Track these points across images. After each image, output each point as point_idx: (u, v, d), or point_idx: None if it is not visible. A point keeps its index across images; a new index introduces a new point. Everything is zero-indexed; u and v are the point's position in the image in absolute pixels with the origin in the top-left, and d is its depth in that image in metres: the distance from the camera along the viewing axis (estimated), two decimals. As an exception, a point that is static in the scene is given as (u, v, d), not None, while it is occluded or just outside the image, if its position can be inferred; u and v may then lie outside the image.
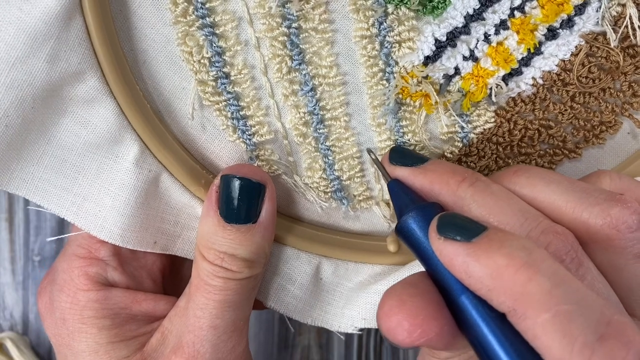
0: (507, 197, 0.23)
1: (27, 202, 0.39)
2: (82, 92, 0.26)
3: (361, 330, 0.31)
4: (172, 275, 0.33)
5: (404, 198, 0.25)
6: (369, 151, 0.29)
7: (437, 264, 0.21)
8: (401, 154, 0.27)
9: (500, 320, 0.19)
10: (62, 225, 0.39)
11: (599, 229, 0.21)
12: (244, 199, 0.28)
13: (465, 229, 0.20)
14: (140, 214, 0.28)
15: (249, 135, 0.29)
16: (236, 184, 0.27)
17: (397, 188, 0.26)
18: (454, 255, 0.20)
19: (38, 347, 0.40)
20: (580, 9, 0.27)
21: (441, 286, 0.21)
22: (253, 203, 0.28)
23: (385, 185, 0.32)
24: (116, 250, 0.29)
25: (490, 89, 0.29)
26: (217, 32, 0.27)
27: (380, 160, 0.27)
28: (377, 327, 0.30)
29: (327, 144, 0.30)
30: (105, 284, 0.29)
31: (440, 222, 0.21)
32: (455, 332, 0.21)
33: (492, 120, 0.30)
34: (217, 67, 0.28)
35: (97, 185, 0.28)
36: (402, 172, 0.26)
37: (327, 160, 0.31)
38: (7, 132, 0.25)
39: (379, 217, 0.32)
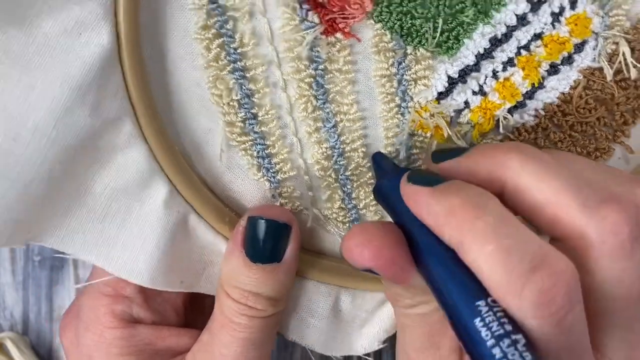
0: (557, 164, 0.23)
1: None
2: (117, 138, 0.26)
3: (385, 342, 0.32)
4: (194, 306, 0.33)
5: (384, 165, 0.28)
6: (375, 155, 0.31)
7: (405, 215, 0.24)
8: (443, 153, 0.27)
9: (450, 259, 0.21)
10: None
11: None
12: (269, 240, 0.28)
13: (431, 179, 0.23)
14: (169, 255, 0.28)
15: (273, 173, 0.30)
16: (262, 225, 0.28)
17: (379, 158, 0.28)
18: (418, 197, 0.23)
19: (38, 347, 0.39)
20: (579, 47, 0.30)
21: (407, 235, 0.24)
22: (279, 243, 0.29)
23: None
24: (141, 287, 0.29)
25: (497, 120, 0.31)
26: (248, 75, 0.28)
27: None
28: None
29: (347, 174, 0.31)
30: (131, 320, 0.29)
31: (411, 174, 0.24)
32: (408, 268, 0.23)
33: (498, 149, 0.32)
34: (246, 108, 0.28)
35: (126, 229, 0.28)
36: (446, 164, 0.26)
37: (345, 189, 0.32)
38: (49, 185, 0.24)
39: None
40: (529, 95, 0.31)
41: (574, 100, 0.31)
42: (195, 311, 0.33)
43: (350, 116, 0.30)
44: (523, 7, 0.28)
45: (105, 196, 0.27)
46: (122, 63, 0.25)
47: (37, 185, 0.24)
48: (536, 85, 0.31)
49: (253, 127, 0.29)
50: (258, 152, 0.30)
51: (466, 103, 0.31)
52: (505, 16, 0.29)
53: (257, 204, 0.31)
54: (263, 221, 0.28)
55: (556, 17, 0.29)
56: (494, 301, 0.20)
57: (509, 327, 0.20)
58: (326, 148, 0.30)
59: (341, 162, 0.31)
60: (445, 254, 0.22)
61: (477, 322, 0.20)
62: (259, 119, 0.29)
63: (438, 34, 0.28)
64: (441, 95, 0.30)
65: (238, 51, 0.27)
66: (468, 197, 0.21)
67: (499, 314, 0.20)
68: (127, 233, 0.28)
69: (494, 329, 0.20)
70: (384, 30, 0.28)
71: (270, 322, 0.29)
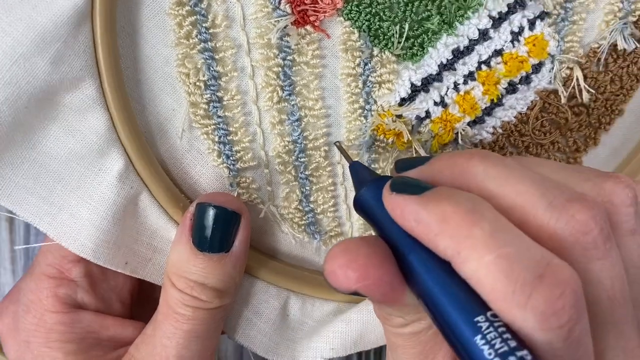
0: (521, 168, 0.22)
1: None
2: (77, 100, 0.26)
3: None
4: (141, 299, 0.32)
5: (363, 175, 0.26)
6: (337, 143, 0.30)
7: (390, 228, 0.22)
8: (405, 162, 0.27)
9: (445, 272, 0.20)
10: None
11: None
12: (218, 228, 0.28)
13: (416, 186, 0.21)
14: (115, 231, 0.28)
15: (233, 160, 0.30)
16: (211, 212, 0.27)
17: (357, 167, 0.26)
18: (404, 206, 0.21)
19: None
20: (536, 68, 0.31)
21: (393, 249, 0.22)
22: (227, 232, 0.28)
23: (355, 223, 0.33)
24: (88, 271, 0.28)
25: (457, 133, 0.32)
26: (217, 57, 0.28)
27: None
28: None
29: (306, 172, 0.31)
30: (75, 305, 0.28)
31: (394, 182, 0.22)
32: (398, 286, 0.21)
33: (457, 163, 0.32)
34: (211, 90, 0.28)
35: (76, 196, 0.27)
36: (409, 174, 0.25)
37: (304, 190, 0.32)
38: (-3, 128, 0.24)
39: (346, 253, 0.33)
40: (488, 111, 0.32)
41: (530, 121, 0.32)
42: (141, 305, 0.32)
43: (315, 112, 0.30)
44: (485, 22, 0.30)
45: (60, 159, 0.27)
46: (94, 25, 0.25)
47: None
48: (495, 101, 0.32)
49: (217, 111, 0.29)
50: (219, 138, 0.29)
51: (427, 113, 0.31)
52: (468, 29, 0.30)
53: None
54: (211, 208, 0.27)
55: (516, 36, 0.31)
56: (494, 315, 0.19)
57: (513, 343, 0.18)
58: (288, 142, 0.30)
59: (302, 159, 0.31)
60: (437, 266, 0.20)
61: (478, 339, 0.18)
62: (224, 103, 0.29)
63: (403, 39, 0.29)
64: (404, 102, 0.31)
65: (210, 31, 0.28)
66: (461, 203, 0.20)
67: (500, 329, 0.18)
68: (76, 200, 0.27)
69: (497, 346, 0.18)
70: (353, 28, 0.29)
71: (216, 315, 0.28)
